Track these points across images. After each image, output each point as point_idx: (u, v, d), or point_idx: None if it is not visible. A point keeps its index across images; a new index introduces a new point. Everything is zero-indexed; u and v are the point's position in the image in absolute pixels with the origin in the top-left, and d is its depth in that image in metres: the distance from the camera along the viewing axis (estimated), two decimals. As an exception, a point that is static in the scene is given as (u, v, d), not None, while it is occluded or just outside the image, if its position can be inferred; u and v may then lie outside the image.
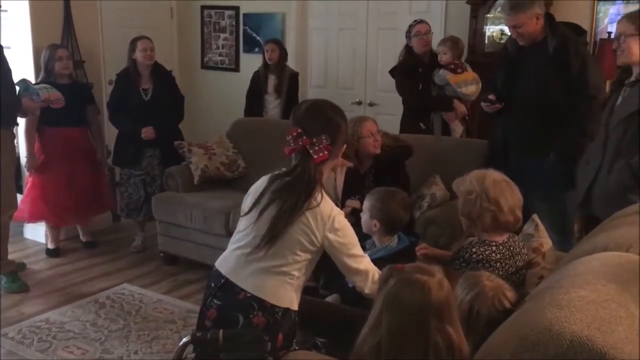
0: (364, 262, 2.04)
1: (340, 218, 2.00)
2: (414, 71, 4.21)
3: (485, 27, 4.70)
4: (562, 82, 3.15)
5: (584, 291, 1.48)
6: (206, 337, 1.73)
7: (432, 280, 1.51)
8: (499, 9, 4.64)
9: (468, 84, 4.04)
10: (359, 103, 5.61)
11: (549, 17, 3.25)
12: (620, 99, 2.79)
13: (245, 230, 2.03)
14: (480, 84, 4.11)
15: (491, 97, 3.39)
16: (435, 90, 4.16)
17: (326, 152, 1.95)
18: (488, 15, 4.68)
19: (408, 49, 4.29)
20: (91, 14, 5.13)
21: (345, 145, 2.10)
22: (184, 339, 1.78)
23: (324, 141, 1.96)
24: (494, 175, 2.26)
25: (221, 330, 1.75)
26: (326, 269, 3.21)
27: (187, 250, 4.27)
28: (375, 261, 2.23)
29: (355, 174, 3.42)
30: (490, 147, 3.58)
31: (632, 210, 2.24)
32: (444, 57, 4.07)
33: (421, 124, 4.20)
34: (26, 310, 3.64)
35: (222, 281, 2.02)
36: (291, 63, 5.52)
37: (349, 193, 3.39)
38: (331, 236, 1.96)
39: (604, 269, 1.65)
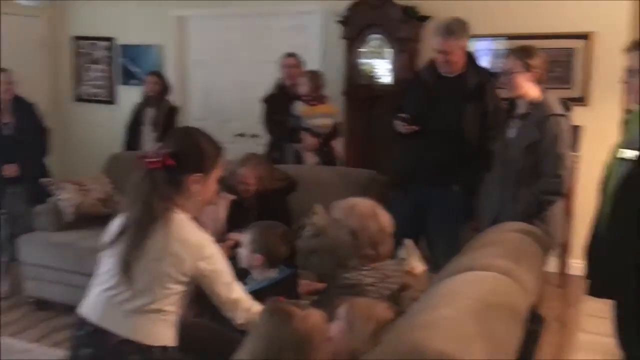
0: (237, 290, 1.98)
1: (210, 245, 1.93)
2: (276, 102, 4.34)
3: (359, 60, 4.90)
4: (478, 117, 3.24)
5: (447, 310, 1.55)
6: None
7: (297, 313, 1.52)
8: (372, 43, 4.88)
9: (318, 116, 4.17)
10: (242, 135, 5.61)
11: (470, 55, 3.35)
12: (512, 131, 2.93)
13: (110, 270, 1.91)
14: (334, 119, 4.24)
15: (404, 115, 3.32)
16: (292, 122, 4.25)
17: (159, 160, 1.84)
18: (361, 50, 4.89)
19: (280, 80, 4.42)
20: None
21: (214, 176, 1.98)
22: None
23: (163, 153, 1.86)
24: (362, 207, 2.29)
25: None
26: (208, 307, 3.17)
27: (60, 293, 4.00)
28: (257, 292, 2.22)
29: (239, 208, 3.41)
30: (393, 175, 3.57)
31: (493, 231, 2.41)
32: (301, 88, 4.21)
33: (274, 153, 4.31)
34: None
35: (91, 329, 1.90)
36: (171, 96, 5.43)
37: (233, 226, 3.36)
38: (202, 265, 1.88)
39: (467, 287, 1.75)
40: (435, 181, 3.30)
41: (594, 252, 2.43)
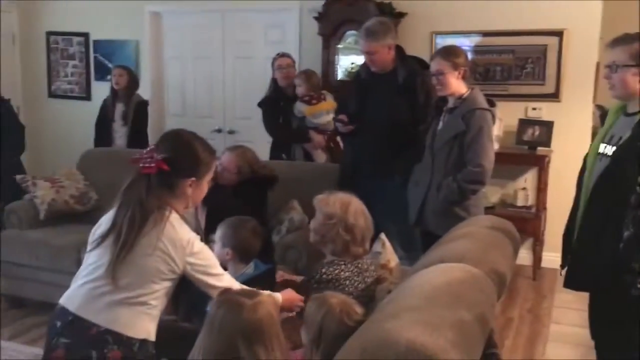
0: (226, 280, 2.04)
1: (197, 241, 1.97)
2: (276, 104, 4.31)
3: (336, 56, 4.92)
4: (409, 110, 3.36)
5: (419, 300, 1.58)
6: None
7: (246, 302, 1.56)
8: (349, 39, 4.92)
9: (323, 114, 4.18)
10: (219, 131, 5.60)
11: (399, 50, 3.46)
12: (441, 124, 3.06)
13: (96, 262, 1.93)
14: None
15: (342, 117, 3.52)
16: (296, 122, 4.26)
17: (153, 165, 1.90)
18: (339, 46, 4.92)
19: (274, 81, 4.39)
20: None
21: (206, 179, 2.04)
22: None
23: (156, 155, 1.91)
24: (356, 204, 2.36)
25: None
26: (185, 301, 3.16)
27: (34, 291, 3.95)
28: (232, 289, 2.23)
29: (218, 199, 3.39)
30: (341, 171, 3.71)
31: (464, 225, 2.45)
32: (299, 89, 4.20)
33: (283, 155, 4.30)
34: None
35: (70, 318, 1.90)
36: (147, 91, 5.41)
37: (215, 219, 3.33)
38: (192, 260, 1.93)
39: (438, 279, 1.78)
40: (377, 174, 3.45)
41: (569, 245, 2.48)
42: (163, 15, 5.72)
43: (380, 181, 3.44)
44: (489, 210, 4.38)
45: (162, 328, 2.07)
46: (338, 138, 4.45)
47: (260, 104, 4.42)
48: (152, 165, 1.88)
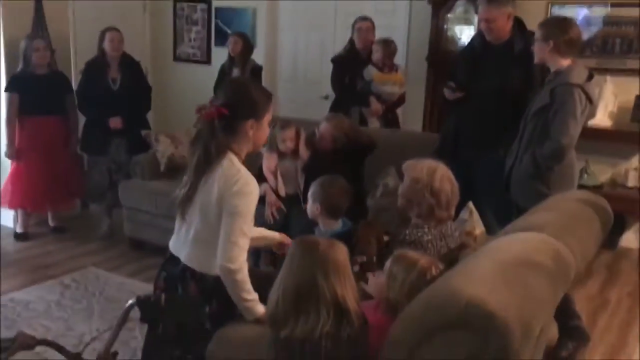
0: (243, 240, 1.98)
1: (244, 183, 1.99)
2: (347, 64, 4.42)
3: (445, 26, 4.89)
4: (523, 82, 3.29)
5: (489, 262, 1.66)
6: (149, 300, 1.88)
7: (323, 241, 1.70)
8: (459, 9, 4.85)
9: (389, 84, 4.27)
10: (326, 97, 5.74)
11: (518, 21, 3.39)
12: None
13: None
14: (403, 89, 4.34)
15: (451, 83, 3.50)
16: (360, 85, 4.34)
17: (213, 110, 2.01)
18: (449, 16, 4.88)
19: (352, 41, 4.50)
20: (62, 8, 5.21)
21: (266, 120, 2.13)
22: (130, 301, 1.92)
23: (215, 102, 2.04)
24: (442, 170, 2.42)
25: (163, 294, 1.90)
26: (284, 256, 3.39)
27: (152, 235, 4.37)
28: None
29: (315, 162, 3.58)
30: (441, 140, 3.71)
31: (554, 198, 2.45)
32: (375, 55, 4.29)
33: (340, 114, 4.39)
34: (-10, 291, 3.72)
35: (169, 255, 2.19)
36: (261, 57, 5.66)
37: (309, 180, 3.52)
38: (227, 196, 1.97)
39: (513, 245, 1.84)
40: (482, 145, 3.40)
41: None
42: (279, -17, 5.93)
43: (483, 152, 3.41)
44: (596, 189, 4.22)
45: (260, 277, 2.22)
46: (398, 110, 4.47)
47: (332, 60, 4.54)
48: (212, 110, 2.02)
